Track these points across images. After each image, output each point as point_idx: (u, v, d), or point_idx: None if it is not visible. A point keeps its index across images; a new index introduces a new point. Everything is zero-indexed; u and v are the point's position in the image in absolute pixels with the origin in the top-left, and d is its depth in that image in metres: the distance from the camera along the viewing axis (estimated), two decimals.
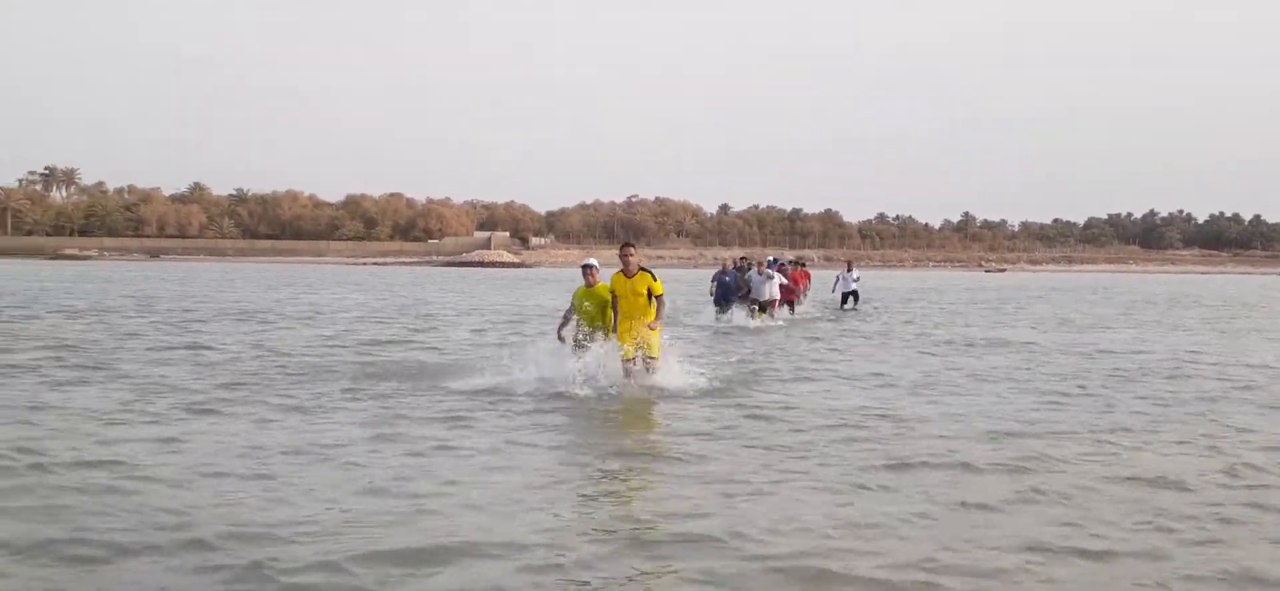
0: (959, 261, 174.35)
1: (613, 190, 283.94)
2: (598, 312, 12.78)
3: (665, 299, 12.88)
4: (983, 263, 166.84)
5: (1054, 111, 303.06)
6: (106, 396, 11.62)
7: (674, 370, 12.88)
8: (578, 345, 12.71)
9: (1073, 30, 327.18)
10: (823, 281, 42.50)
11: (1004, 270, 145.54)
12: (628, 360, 12.43)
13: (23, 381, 12.76)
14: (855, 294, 33.78)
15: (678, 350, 13.63)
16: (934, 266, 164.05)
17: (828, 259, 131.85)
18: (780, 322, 25.40)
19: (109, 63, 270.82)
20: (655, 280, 12.62)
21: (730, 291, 25.22)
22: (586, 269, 13.04)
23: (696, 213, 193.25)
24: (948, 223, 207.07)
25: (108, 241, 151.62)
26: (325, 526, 6.32)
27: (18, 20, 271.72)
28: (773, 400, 12.11)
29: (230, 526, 6.24)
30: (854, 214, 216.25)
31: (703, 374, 13.19)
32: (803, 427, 10.25)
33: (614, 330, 12.65)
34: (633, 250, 12.68)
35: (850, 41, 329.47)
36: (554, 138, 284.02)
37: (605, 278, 13.01)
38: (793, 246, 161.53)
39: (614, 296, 12.66)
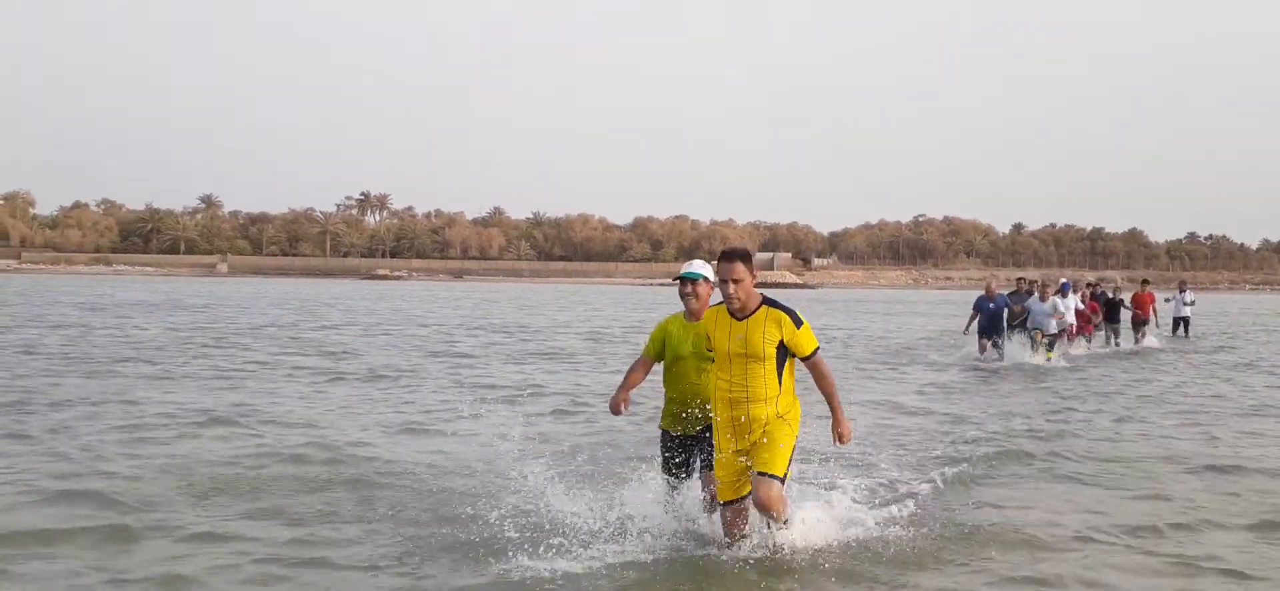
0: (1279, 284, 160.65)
1: (899, 209, 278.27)
2: (697, 370, 6.68)
3: (820, 361, 6.30)
4: None
5: None
6: None
7: (829, 511, 7.02)
8: (671, 451, 6.92)
9: None
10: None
11: None
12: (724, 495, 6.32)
13: None
14: (1187, 320, 30.20)
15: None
16: (1250, 289, 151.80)
17: (1131, 280, 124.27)
18: (1063, 361, 20.97)
19: (419, 94, 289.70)
20: (799, 327, 6.20)
21: (996, 320, 21.05)
22: (688, 282, 6.71)
23: (987, 232, 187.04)
24: (1266, 242, 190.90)
25: (416, 263, 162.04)
26: None
27: (337, 63, 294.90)
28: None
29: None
30: (1160, 233, 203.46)
31: (914, 478, 8.73)
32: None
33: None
34: (740, 266, 6.16)
35: (1164, 54, 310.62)
36: (838, 157, 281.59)
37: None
38: (1093, 267, 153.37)
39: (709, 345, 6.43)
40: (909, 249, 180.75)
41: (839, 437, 6.33)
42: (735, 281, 6.11)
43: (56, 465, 9.01)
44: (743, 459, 6.19)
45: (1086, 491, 8.79)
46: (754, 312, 6.19)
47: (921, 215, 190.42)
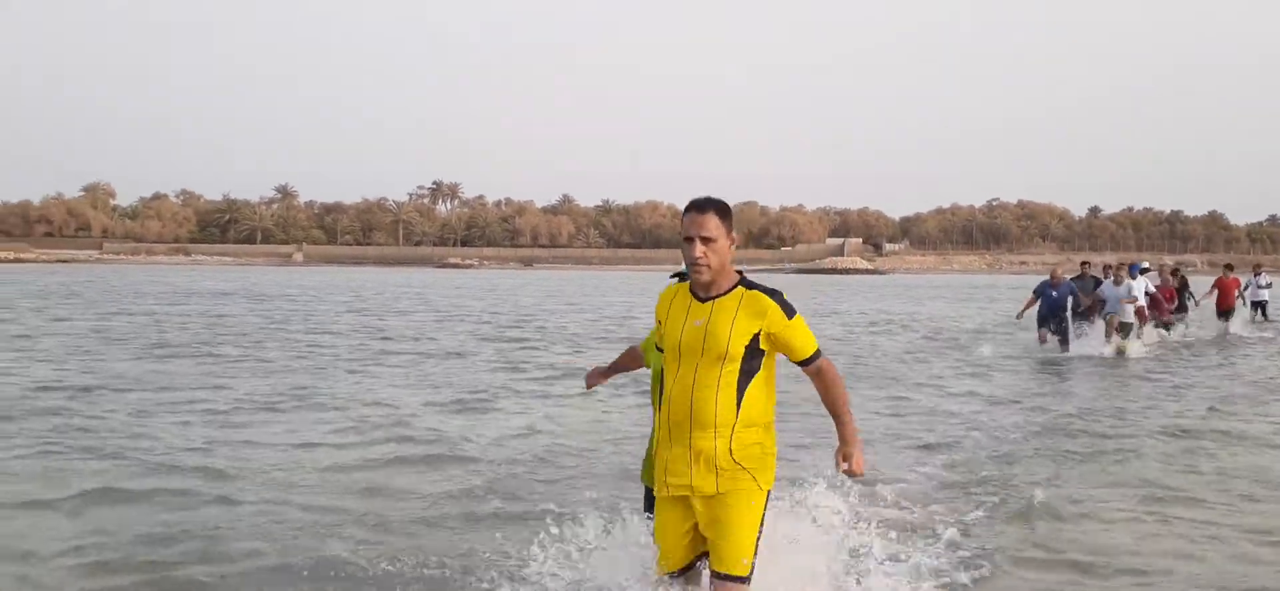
0: None
1: (971, 193, 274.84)
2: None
3: (826, 366, 4.46)
4: None
5: None
6: None
7: None
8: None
9: None
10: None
11: None
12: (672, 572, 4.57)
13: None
14: (1264, 305, 28.14)
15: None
16: None
17: (1211, 264, 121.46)
18: (1141, 348, 19.52)
19: (490, 83, 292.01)
20: (790, 317, 4.33)
21: (1057, 308, 19.51)
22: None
23: (1063, 215, 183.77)
24: None
25: (486, 251, 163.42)
26: None
27: (408, 53, 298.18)
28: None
29: None
30: (1242, 216, 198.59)
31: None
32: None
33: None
34: (713, 220, 4.32)
35: (1238, 33, 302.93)
36: (909, 141, 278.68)
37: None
38: (1171, 251, 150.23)
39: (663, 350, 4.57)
40: (983, 233, 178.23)
41: (847, 467, 4.41)
42: (705, 240, 4.23)
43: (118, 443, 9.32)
44: (684, 536, 4.44)
45: (1150, 493, 8.04)
46: (727, 293, 4.32)
47: (995, 199, 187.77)
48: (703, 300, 4.33)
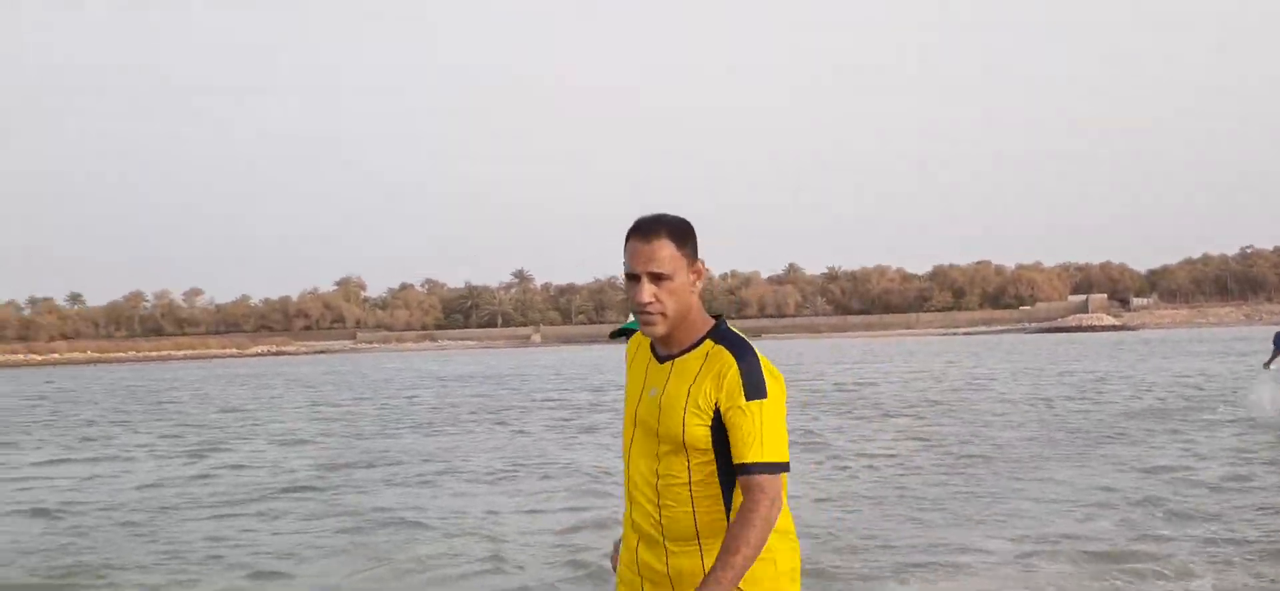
0: None
1: (1224, 242, 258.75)
2: None
3: (763, 490, 2.63)
4: None
5: None
6: None
7: None
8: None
9: None
10: None
11: None
12: None
13: None
14: None
15: None
16: None
17: None
18: None
19: (706, 162, 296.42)
20: (750, 397, 2.68)
21: None
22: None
23: None
24: None
25: None
26: None
27: (631, 136, 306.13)
28: None
29: None
30: None
31: None
32: None
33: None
34: (665, 245, 2.78)
35: None
36: (1155, 188, 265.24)
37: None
38: None
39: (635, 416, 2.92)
40: (1238, 283, 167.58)
41: None
42: (655, 277, 2.78)
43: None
44: None
45: None
46: (691, 349, 2.85)
47: (1248, 246, 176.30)
48: (662, 359, 2.89)
